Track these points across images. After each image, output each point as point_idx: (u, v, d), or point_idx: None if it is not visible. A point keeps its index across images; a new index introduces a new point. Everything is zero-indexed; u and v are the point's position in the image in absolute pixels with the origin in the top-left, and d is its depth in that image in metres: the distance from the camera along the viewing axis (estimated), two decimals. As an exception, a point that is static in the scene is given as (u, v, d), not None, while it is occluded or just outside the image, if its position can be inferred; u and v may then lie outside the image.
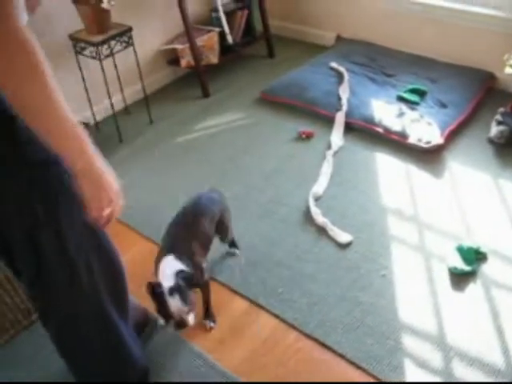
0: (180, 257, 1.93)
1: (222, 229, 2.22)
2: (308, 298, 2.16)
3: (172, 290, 1.80)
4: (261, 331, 2.07)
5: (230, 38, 3.78)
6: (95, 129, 3.41)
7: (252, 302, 2.19)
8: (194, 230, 2.05)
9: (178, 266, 1.89)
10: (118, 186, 1.29)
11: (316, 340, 2.01)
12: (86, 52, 3.12)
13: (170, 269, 1.88)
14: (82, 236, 1.42)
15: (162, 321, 2.10)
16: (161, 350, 2.04)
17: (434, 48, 3.57)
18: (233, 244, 2.40)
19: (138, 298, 2.21)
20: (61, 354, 1.62)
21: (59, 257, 1.40)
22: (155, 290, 1.81)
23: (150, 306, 2.15)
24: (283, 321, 2.09)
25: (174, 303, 1.79)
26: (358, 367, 1.89)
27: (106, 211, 1.27)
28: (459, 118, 3.04)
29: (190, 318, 1.84)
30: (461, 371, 1.84)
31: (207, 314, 2.11)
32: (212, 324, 2.10)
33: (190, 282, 1.87)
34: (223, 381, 1.89)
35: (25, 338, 2.12)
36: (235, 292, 2.24)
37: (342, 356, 1.94)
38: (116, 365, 1.65)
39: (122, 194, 1.31)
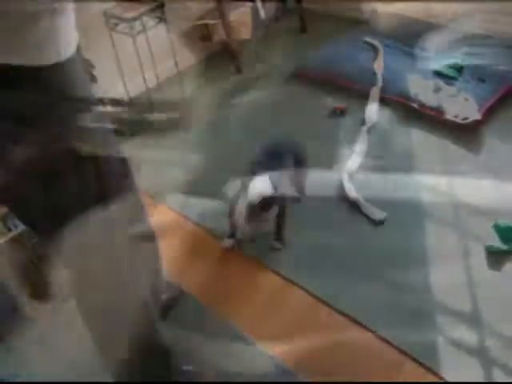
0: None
1: None
2: (340, 275, 2.16)
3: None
4: (293, 307, 2.08)
5: (262, 13, 3.74)
6: (129, 105, 3.43)
7: (284, 277, 2.19)
8: None
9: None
10: None
11: (348, 317, 2.00)
12: (120, 28, 3.13)
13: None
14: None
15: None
16: (193, 326, 2.06)
17: (472, 20, 3.45)
18: None
19: (175, 275, 2.25)
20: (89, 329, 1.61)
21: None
22: None
23: (183, 282, 2.20)
24: (315, 297, 2.10)
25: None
26: (391, 344, 1.88)
27: None
28: (498, 94, 2.96)
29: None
30: (496, 351, 1.82)
31: (278, 235, 2.28)
32: (279, 246, 2.24)
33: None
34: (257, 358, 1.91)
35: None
36: (267, 267, 2.25)
37: (374, 333, 1.93)
38: (147, 353, 1.66)
39: None
